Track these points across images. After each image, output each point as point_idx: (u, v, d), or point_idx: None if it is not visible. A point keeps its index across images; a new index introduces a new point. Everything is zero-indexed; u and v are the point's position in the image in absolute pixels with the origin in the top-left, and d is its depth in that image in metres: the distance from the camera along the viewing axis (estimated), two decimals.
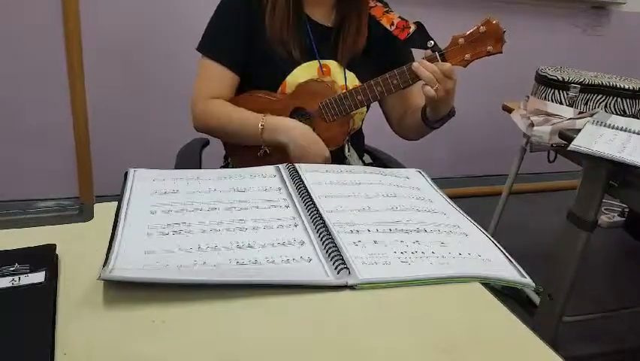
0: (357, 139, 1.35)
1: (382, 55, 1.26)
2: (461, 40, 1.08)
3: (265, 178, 0.86)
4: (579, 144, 1.28)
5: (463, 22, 1.14)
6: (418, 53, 1.15)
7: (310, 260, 0.65)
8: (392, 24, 1.15)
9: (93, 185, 2.29)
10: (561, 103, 1.66)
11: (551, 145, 1.62)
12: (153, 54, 2.26)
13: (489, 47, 1.08)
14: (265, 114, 1.17)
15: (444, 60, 1.09)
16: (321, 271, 0.63)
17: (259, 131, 1.15)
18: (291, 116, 1.20)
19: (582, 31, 2.91)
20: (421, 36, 1.11)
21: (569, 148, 1.29)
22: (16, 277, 0.59)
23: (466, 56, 1.09)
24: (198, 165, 1.34)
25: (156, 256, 0.62)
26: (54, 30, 2.10)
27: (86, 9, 2.09)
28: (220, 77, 1.22)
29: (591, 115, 1.53)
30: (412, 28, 1.12)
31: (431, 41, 1.10)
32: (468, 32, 1.09)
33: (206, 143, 1.45)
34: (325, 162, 1.15)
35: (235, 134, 1.21)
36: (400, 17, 1.15)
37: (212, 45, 1.23)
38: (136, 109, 2.32)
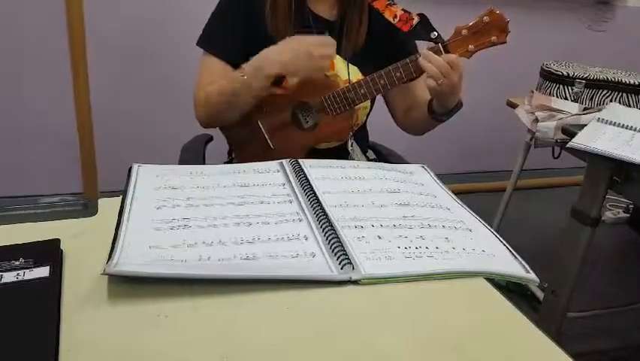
0: (361, 135, 1.34)
1: (385, 48, 1.26)
2: (464, 32, 1.07)
3: (269, 173, 0.86)
4: (578, 140, 1.28)
5: (467, 15, 1.13)
6: (421, 46, 1.14)
7: (314, 255, 0.65)
8: (395, 17, 1.14)
9: (97, 181, 2.29)
10: (566, 98, 1.65)
11: (556, 141, 1.61)
12: (157, 51, 2.26)
13: (493, 38, 1.07)
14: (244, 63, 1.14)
15: (447, 52, 1.08)
16: (324, 266, 0.63)
17: (243, 80, 1.12)
18: (295, 110, 1.20)
19: (587, 26, 2.90)
20: (424, 28, 1.10)
21: (567, 145, 1.28)
22: (20, 272, 0.59)
23: (470, 46, 1.08)
24: (202, 161, 1.34)
25: (160, 251, 0.62)
26: (57, 28, 2.09)
27: (89, 7, 2.09)
28: (221, 72, 1.22)
29: (599, 110, 1.52)
30: (415, 20, 1.11)
31: (435, 32, 1.09)
32: (471, 23, 1.07)
33: (210, 138, 1.45)
34: (328, 54, 1.11)
35: (234, 102, 1.17)
36: (403, 10, 1.15)
37: (212, 40, 1.23)
38: (140, 105, 2.32)
